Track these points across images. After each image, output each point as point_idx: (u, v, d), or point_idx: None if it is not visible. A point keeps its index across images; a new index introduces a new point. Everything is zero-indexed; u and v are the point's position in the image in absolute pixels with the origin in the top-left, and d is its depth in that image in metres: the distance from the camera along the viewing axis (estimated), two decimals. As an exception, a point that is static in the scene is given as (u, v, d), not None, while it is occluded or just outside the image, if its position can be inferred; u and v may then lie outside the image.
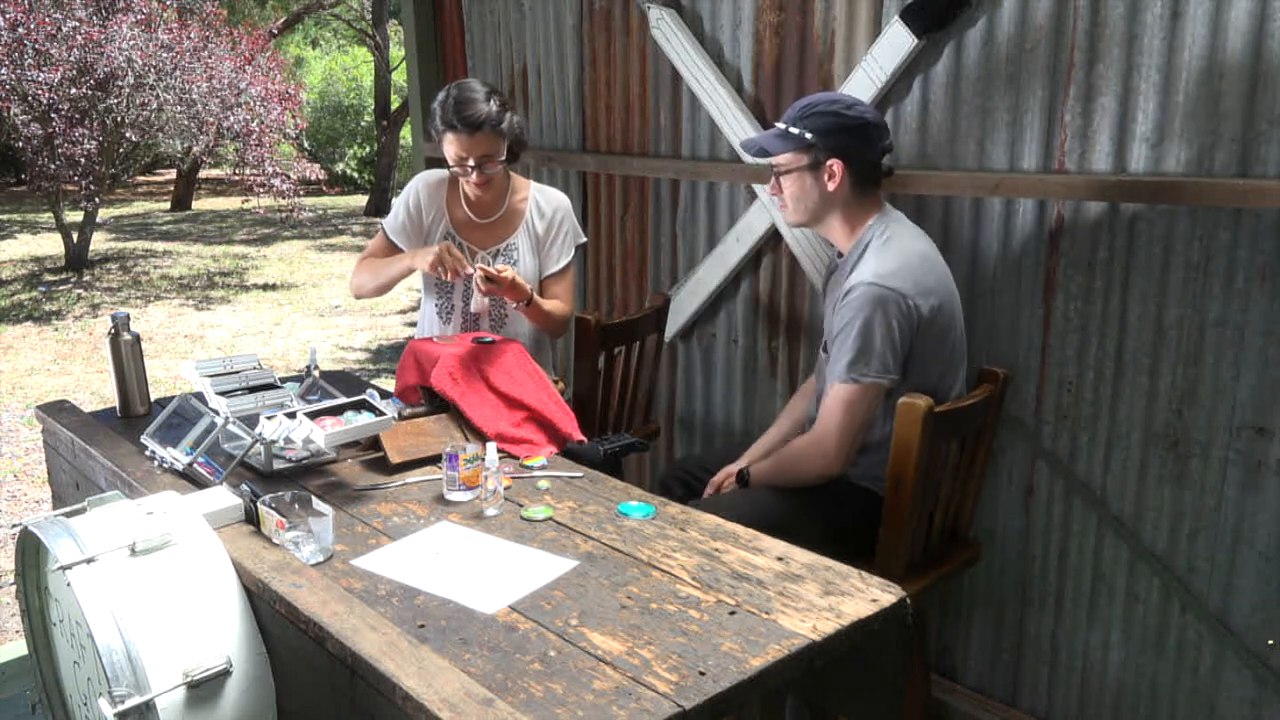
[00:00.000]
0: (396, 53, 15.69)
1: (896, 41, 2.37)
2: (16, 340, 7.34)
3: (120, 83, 8.72)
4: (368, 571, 1.66)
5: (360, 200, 16.06)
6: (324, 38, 21.57)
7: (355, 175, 17.75)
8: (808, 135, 2.08)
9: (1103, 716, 2.38)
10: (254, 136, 9.72)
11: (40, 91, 8.32)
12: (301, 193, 10.78)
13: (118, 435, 2.29)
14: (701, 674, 1.35)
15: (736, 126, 2.75)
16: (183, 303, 8.78)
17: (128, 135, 9.56)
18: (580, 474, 2.08)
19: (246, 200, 11.71)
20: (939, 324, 2.08)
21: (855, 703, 1.68)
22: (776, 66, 2.69)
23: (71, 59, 8.43)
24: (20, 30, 8.20)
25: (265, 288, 9.46)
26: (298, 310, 8.51)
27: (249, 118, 9.66)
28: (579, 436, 2.26)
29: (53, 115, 8.60)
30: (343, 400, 2.12)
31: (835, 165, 2.08)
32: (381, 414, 2.06)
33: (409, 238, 2.66)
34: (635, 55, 3.04)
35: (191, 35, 9.44)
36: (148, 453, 2.14)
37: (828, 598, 1.55)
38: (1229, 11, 1.94)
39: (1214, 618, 2.17)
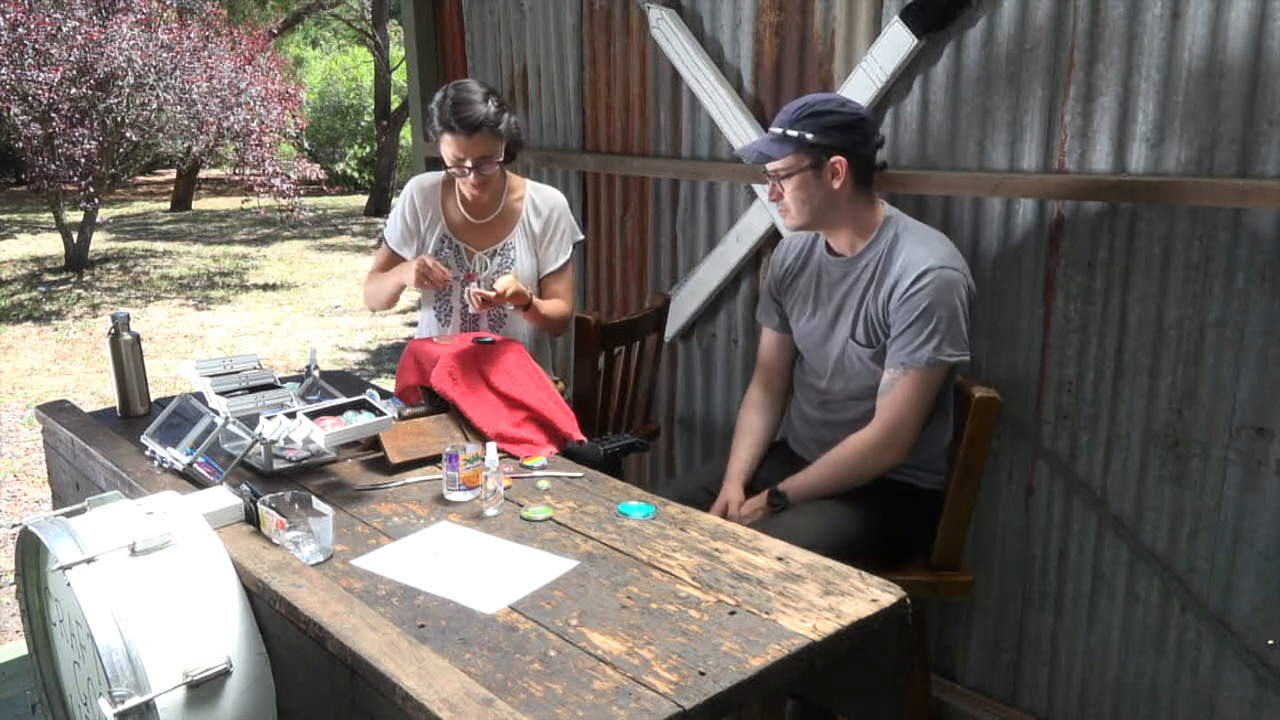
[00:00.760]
0: (396, 53, 15.70)
1: (896, 41, 2.37)
2: (16, 340, 7.34)
3: (120, 83, 8.72)
4: (368, 571, 1.66)
5: (360, 200, 16.06)
6: (324, 38, 21.57)
7: (355, 175, 17.76)
8: (808, 136, 2.07)
9: (1103, 716, 2.38)
10: (254, 136, 9.72)
11: (40, 91, 8.32)
12: (301, 193, 10.78)
13: (118, 435, 2.29)
14: (701, 674, 1.35)
15: (736, 126, 2.76)
16: (183, 303, 8.78)
17: (128, 135, 9.55)
18: (580, 474, 2.08)
19: (246, 200, 11.71)
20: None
21: (855, 703, 1.68)
22: (776, 66, 2.70)
23: (71, 59, 8.42)
24: (20, 30, 8.20)
25: (265, 288, 9.46)
26: (298, 310, 8.51)
27: (249, 118, 9.66)
28: (579, 436, 2.26)
29: (53, 115, 8.60)
30: (343, 400, 2.11)
31: (839, 163, 2.07)
32: (381, 414, 2.06)
33: (409, 243, 2.66)
34: (635, 55, 3.04)
35: (191, 35, 9.45)
36: (148, 453, 2.14)
37: (828, 598, 1.55)
38: (1229, 11, 1.94)
39: (1214, 618, 2.17)
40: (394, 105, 15.24)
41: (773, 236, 2.78)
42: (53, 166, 8.83)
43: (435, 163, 3.63)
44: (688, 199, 3.02)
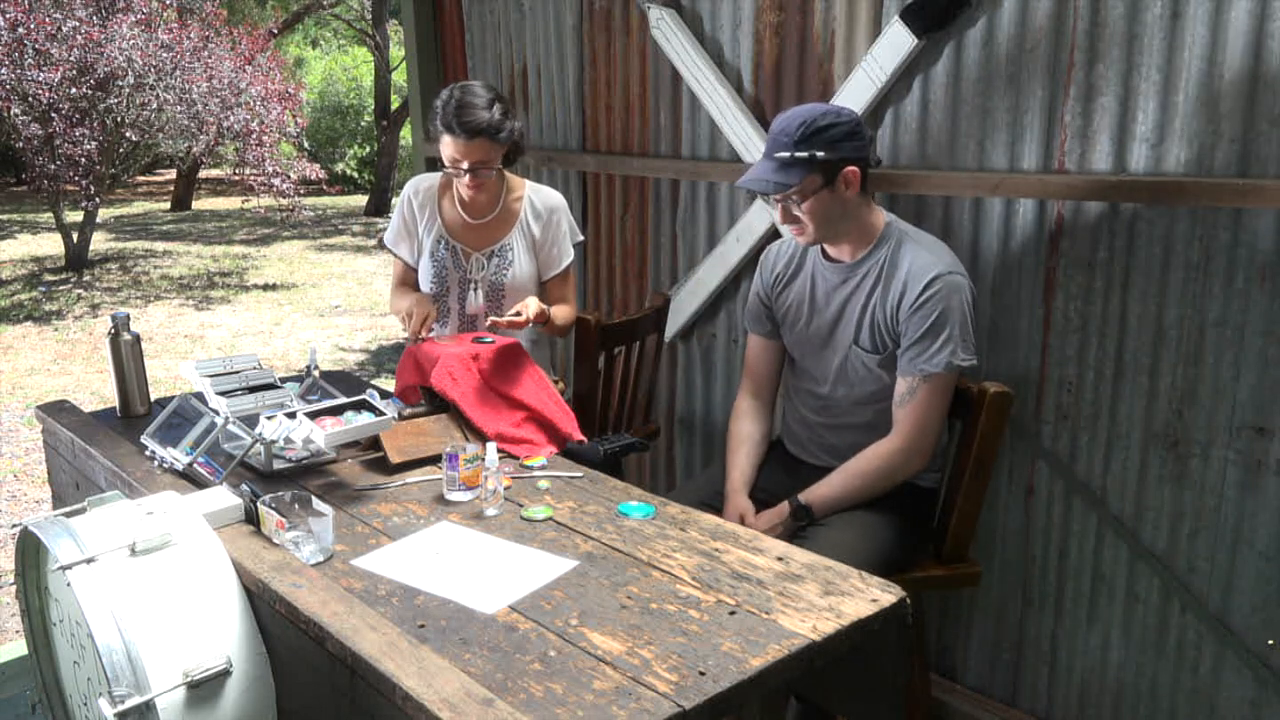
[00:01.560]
0: (396, 53, 15.70)
1: (896, 41, 2.37)
2: (16, 340, 7.34)
3: (120, 83, 8.72)
4: (368, 571, 1.66)
5: (360, 200, 16.06)
6: (324, 38, 21.58)
7: (355, 175, 17.76)
8: (819, 154, 2.02)
9: (1103, 716, 2.38)
10: (254, 136, 9.71)
11: (40, 91, 8.32)
12: (301, 193, 10.78)
13: (118, 435, 2.29)
14: (701, 674, 1.35)
15: (736, 126, 2.76)
16: (183, 303, 8.78)
17: (128, 135, 9.55)
18: (580, 474, 2.08)
19: (246, 200, 11.71)
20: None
21: (855, 703, 1.68)
22: (776, 66, 2.69)
23: (71, 59, 8.42)
24: (20, 30, 8.19)
25: (265, 288, 9.46)
26: (298, 310, 8.51)
27: (249, 118, 9.65)
28: (579, 436, 2.26)
29: (53, 115, 8.60)
30: (343, 400, 2.11)
31: (851, 173, 2.05)
32: (381, 414, 2.06)
33: (408, 244, 2.66)
34: (635, 55, 3.04)
35: (191, 35, 9.44)
36: (148, 453, 2.14)
37: (828, 598, 1.55)
38: (1229, 11, 1.94)
39: (1214, 618, 2.17)
40: (394, 105, 15.23)
41: (773, 237, 2.78)
42: (53, 166, 8.82)
43: (435, 163, 3.62)
44: (688, 199, 3.02)
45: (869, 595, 1.55)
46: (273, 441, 2.03)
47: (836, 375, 2.21)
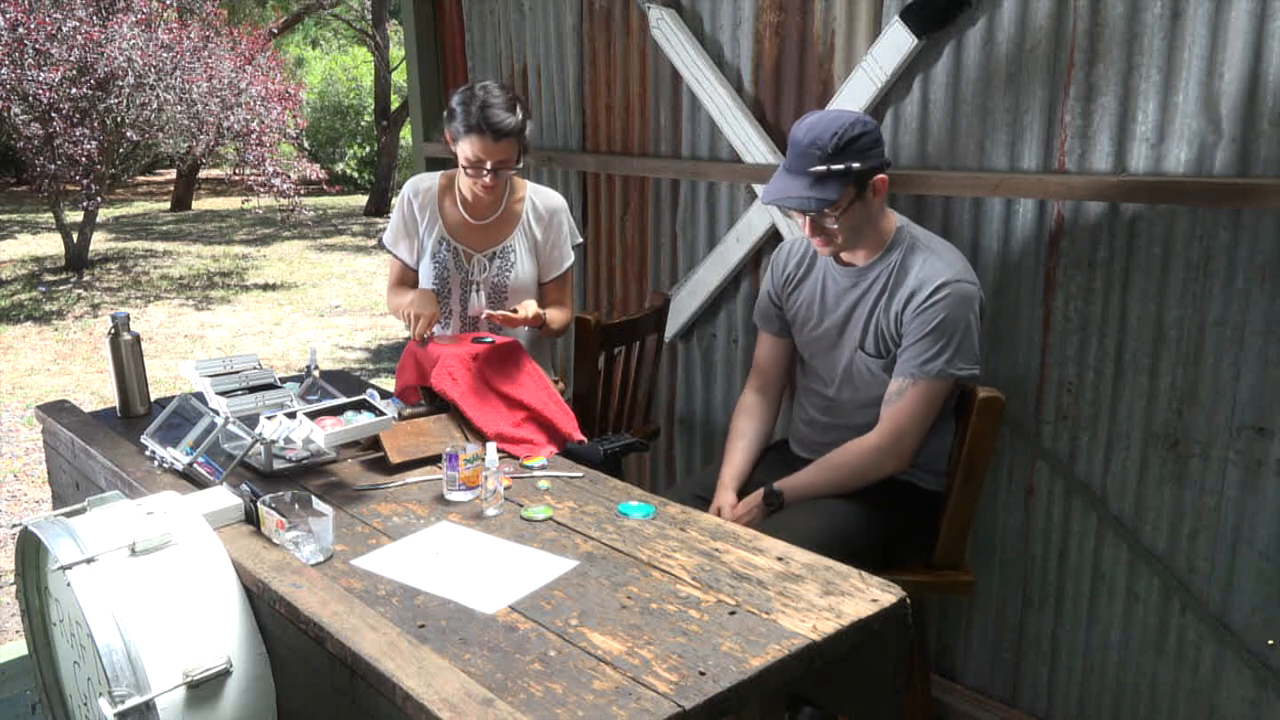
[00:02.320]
0: (396, 53, 15.69)
1: (896, 41, 2.37)
2: (16, 340, 7.34)
3: (120, 83, 8.71)
4: (368, 571, 1.66)
5: (360, 200, 16.06)
6: (324, 38, 21.58)
7: (355, 175, 17.76)
8: (855, 165, 2.00)
9: (1103, 716, 2.38)
10: (254, 136, 9.70)
11: (40, 91, 8.32)
12: (301, 192, 10.76)
13: (118, 435, 2.29)
14: (701, 674, 1.35)
15: (736, 127, 2.76)
16: (183, 303, 8.78)
17: (128, 135, 9.55)
18: (580, 474, 2.08)
19: (246, 200, 11.71)
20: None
21: (855, 703, 1.68)
22: (776, 66, 2.69)
23: (71, 59, 8.42)
24: (20, 30, 8.19)
25: (265, 288, 9.46)
26: (298, 310, 8.51)
27: (249, 117, 9.64)
28: (579, 436, 2.26)
29: (53, 115, 8.59)
30: (343, 400, 2.11)
31: (881, 180, 2.05)
32: (381, 414, 2.06)
33: (409, 246, 2.65)
34: (635, 55, 3.04)
35: (191, 35, 9.43)
36: (148, 453, 2.14)
37: (828, 598, 1.55)
38: (1229, 11, 1.94)
39: (1214, 618, 2.17)
40: (394, 105, 15.23)
41: (773, 236, 2.78)
42: (53, 166, 8.82)
43: (437, 163, 3.63)
44: (688, 199, 3.02)
45: (869, 595, 1.55)
46: (273, 441, 2.03)
47: (843, 377, 2.22)
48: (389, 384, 3.01)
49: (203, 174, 17.33)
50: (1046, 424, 2.34)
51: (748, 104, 2.76)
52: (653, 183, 3.10)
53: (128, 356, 2.41)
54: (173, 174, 16.65)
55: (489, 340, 2.35)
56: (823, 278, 2.24)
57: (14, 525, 4.01)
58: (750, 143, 2.73)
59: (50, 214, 10.58)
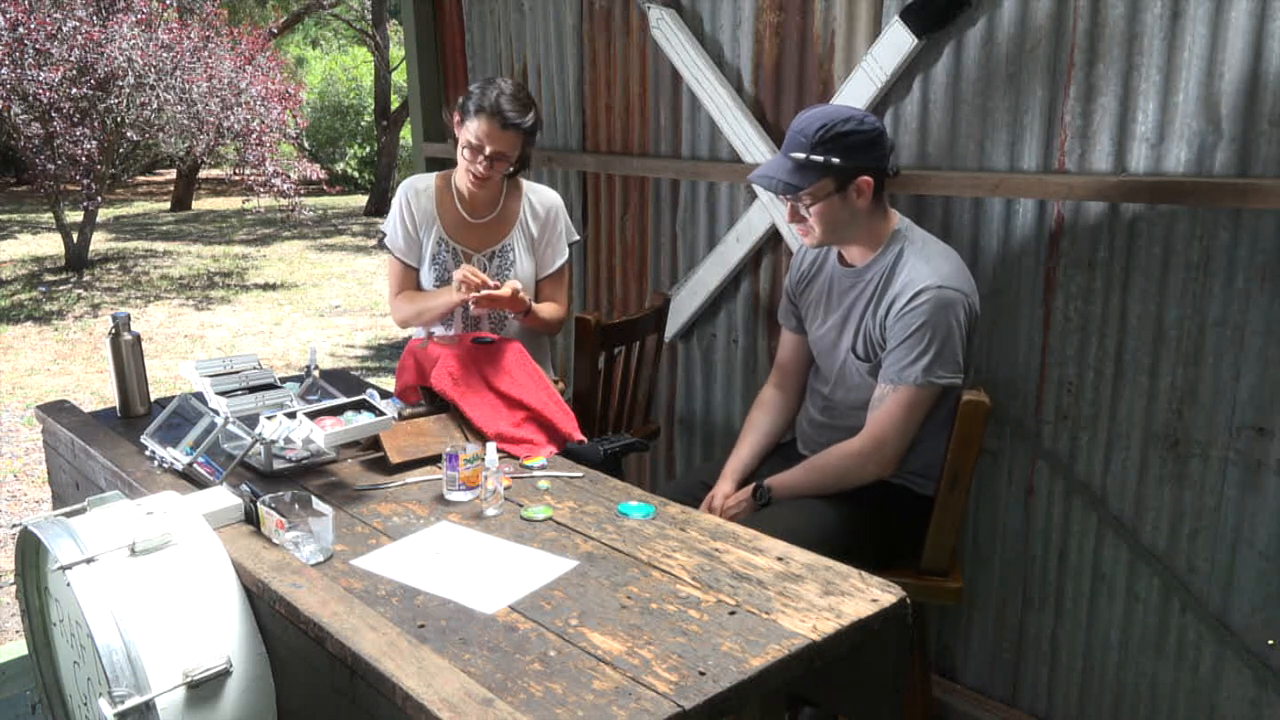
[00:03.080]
0: (396, 53, 15.69)
1: (896, 41, 2.37)
2: (16, 340, 7.34)
3: (120, 82, 8.71)
4: (368, 571, 1.66)
5: (360, 200, 16.07)
6: (324, 38, 21.58)
7: (355, 175, 17.76)
8: (835, 160, 2.01)
9: (1103, 716, 2.38)
10: (254, 136, 9.70)
11: (40, 91, 8.32)
12: (301, 192, 10.77)
13: (118, 435, 2.29)
14: (701, 674, 1.35)
15: (736, 127, 2.76)
16: (183, 303, 8.78)
17: (128, 135, 9.55)
18: (580, 474, 2.08)
19: (246, 200, 11.70)
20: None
21: (855, 703, 1.68)
22: (776, 66, 2.69)
23: (71, 59, 8.42)
24: (20, 30, 8.19)
25: (265, 288, 9.46)
26: (298, 310, 8.51)
27: (249, 117, 9.64)
28: (579, 436, 2.26)
29: (53, 115, 8.60)
30: (343, 400, 2.12)
31: (865, 183, 2.05)
32: (381, 414, 2.06)
33: (408, 246, 2.65)
34: (635, 55, 3.04)
35: (191, 35, 9.43)
36: (148, 453, 2.14)
37: (828, 598, 1.55)
38: (1229, 11, 1.94)
39: (1214, 618, 2.17)
40: (394, 105, 15.23)
41: (773, 236, 2.78)
42: (53, 166, 8.82)
43: (435, 163, 3.63)
44: (688, 199, 3.02)
45: (869, 595, 1.55)
46: (273, 441, 2.03)
47: (837, 378, 2.23)
48: (389, 384, 3.00)
49: (203, 174, 17.33)
50: (1046, 424, 2.34)
51: (748, 104, 2.76)
52: (653, 183, 3.10)
53: (128, 356, 2.41)
54: (173, 174, 16.65)
55: (489, 340, 2.35)
56: (830, 277, 2.25)
57: (14, 525, 4.01)
58: (750, 143, 2.73)
59: (50, 214, 10.58)
